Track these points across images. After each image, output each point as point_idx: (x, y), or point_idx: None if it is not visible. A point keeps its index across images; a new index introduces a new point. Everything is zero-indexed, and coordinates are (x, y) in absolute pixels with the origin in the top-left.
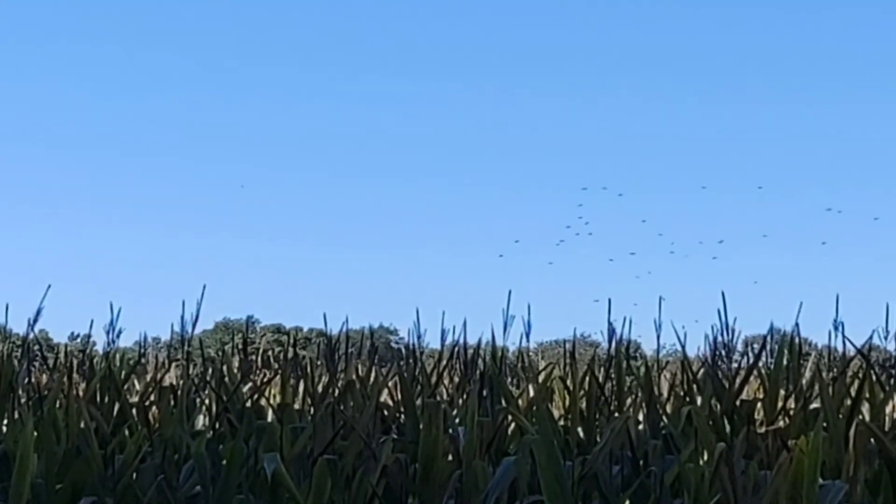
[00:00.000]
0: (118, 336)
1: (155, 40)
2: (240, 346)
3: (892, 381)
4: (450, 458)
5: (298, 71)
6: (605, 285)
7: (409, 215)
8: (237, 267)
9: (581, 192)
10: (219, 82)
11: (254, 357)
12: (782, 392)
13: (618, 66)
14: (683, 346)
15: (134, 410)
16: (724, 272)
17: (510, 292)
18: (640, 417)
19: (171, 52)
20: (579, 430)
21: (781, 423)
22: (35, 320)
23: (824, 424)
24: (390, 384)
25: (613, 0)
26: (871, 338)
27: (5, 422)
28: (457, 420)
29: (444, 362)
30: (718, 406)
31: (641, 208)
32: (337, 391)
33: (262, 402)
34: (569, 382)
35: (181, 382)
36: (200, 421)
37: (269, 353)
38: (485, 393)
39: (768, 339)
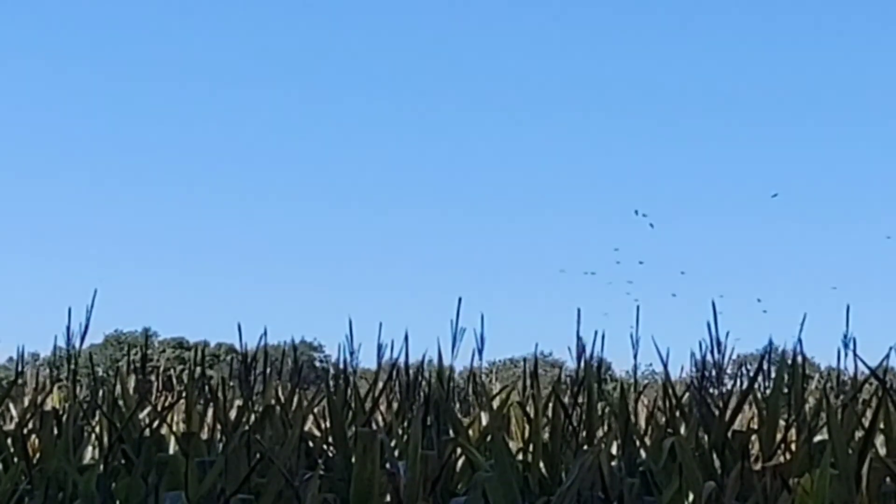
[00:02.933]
0: None
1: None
2: (136, 364)
3: None
4: (387, 498)
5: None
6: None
7: (335, 224)
8: (130, 272)
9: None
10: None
11: (153, 377)
12: (782, 421)
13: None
14: (665, 366)
15: (9, 440)
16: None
17: (459, 300)
18: (614, 451)
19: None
20: (541, 465)
21: (781, 459)
22: None
23: (832, 460)
24: (316, 410)
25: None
26: (887, 357)
27: None
28: (396, 453)
29: (380, 384)
30: (707, 438)
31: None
32: (253, 418)
33: (164, 430)
34: (529, 408)
35: (66, 406)
36: (90, 453)
37: (171, 371)
38: (429, 421)
39: (765, 358)
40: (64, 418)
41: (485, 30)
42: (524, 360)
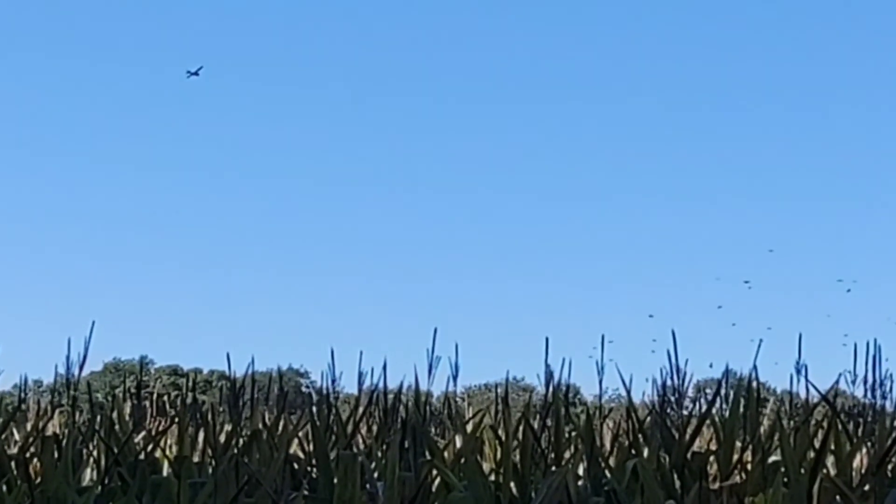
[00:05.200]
0: None
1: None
2: (132, 390)
3: (859, 430)
4: None
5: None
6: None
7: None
8: (129, 302)
9: None
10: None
11: (148, 402)
12: (738, 443)
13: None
14: (629, 391)
15: (13, 463)
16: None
17: (435, 330)
18: (581, 471)
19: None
20: (512, 485)
21: (738, 478)
22: None
23: (785, 479)
24: (301, 434)
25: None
26: (836, 382)
27: None
28: (375, 474)
29: (361, 409)
30: (667, 459)
31: None
32: (241, 441)
33: (158, 453)
34: (500, 432)
35: (66, 431)
36: (88, 475)
37: (165, 397)
38: (407, 444)
39: (723, 383)
40: (64, 442)
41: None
42: (496, 385)
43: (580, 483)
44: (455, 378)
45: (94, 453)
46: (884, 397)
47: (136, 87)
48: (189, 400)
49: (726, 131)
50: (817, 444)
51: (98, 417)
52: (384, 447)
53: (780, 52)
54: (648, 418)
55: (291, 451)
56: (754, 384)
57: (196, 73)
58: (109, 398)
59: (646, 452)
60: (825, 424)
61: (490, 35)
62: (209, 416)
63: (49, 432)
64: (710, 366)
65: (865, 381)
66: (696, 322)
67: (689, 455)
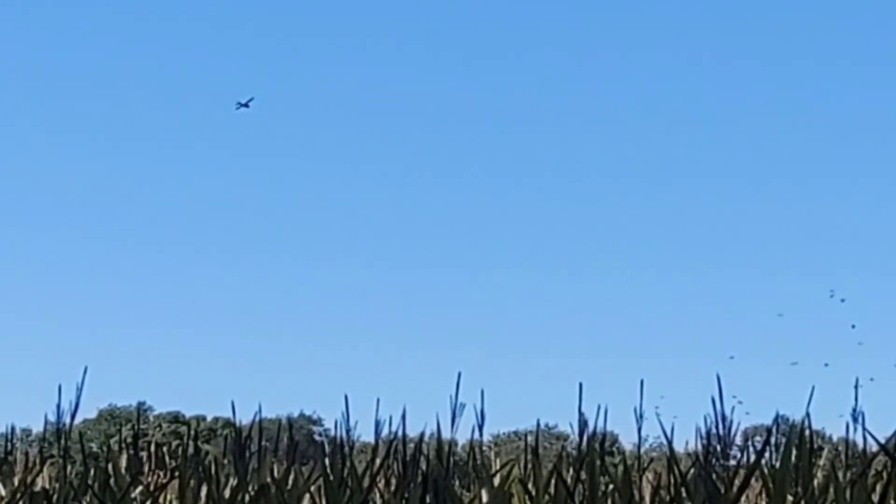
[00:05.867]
0: None
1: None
2: (129, 440)
3: None
4: None
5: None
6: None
7: (337, 293)
8: (125, 344)
9: None
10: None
11: (146, 453)
12: (790, 497)
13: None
14: (670, 441)
15: None
16: None
17: (459, 374)
18: None
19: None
20: None
21: None
22: None
23: None
24: (313, 488)
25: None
26: None
27: None
28: None
29: (378, 460)
30: None
31: None
32: (248, 497)
33: None
34: (530, 485)
35: (57, 486)
36: None
37: (165, 447)
38: (428, 499)
39: (773, 430)
40: (55, 498)
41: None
42: (526, 434)
43: None
44: (481, 426)
45: None
46: None
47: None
48: (191, 450)
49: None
50: (875, 499)
51: (92, 470)
52: (403, 502)
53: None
54: (692, 470)
55: None
56: (807, 432)
57: (246, 105)
58: (104, 448)
59: None
60: (885, 476)
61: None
62: (213, 469)
63: (38, 487)
64: (747, 413)
65: None
66: (742, 365)
67: None
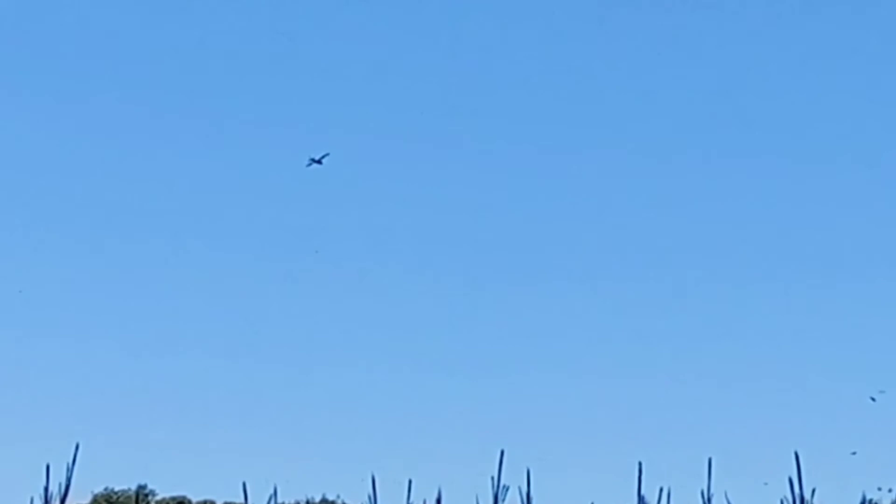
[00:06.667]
0: None
1: None
2: None
3: None
4: None
5: None
6: None
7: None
8: (123, 421)
9: None
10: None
11: None
12: None
13: None
14: None
15: None
16: None
17: (502, 453)
18: None
19: None
20: None
21: None
22: None
23: None
24: None
25: None
26: None
27: None
28: None
29: None
30: None
31: None
32: None
33: None
34: None
35: None
36: None
37: None
38: None
39: None
40: None
41: None
42: None
43: None
44: None
45: None
46: None
47: None
48: None
49: None
50: None
51: None
52: None
53: None
54: None
55: None
56: None
57: (319, 161)
58: None
59: None
60: None
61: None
62: None
63: None
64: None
65: None
66: (821, 446)
67: None
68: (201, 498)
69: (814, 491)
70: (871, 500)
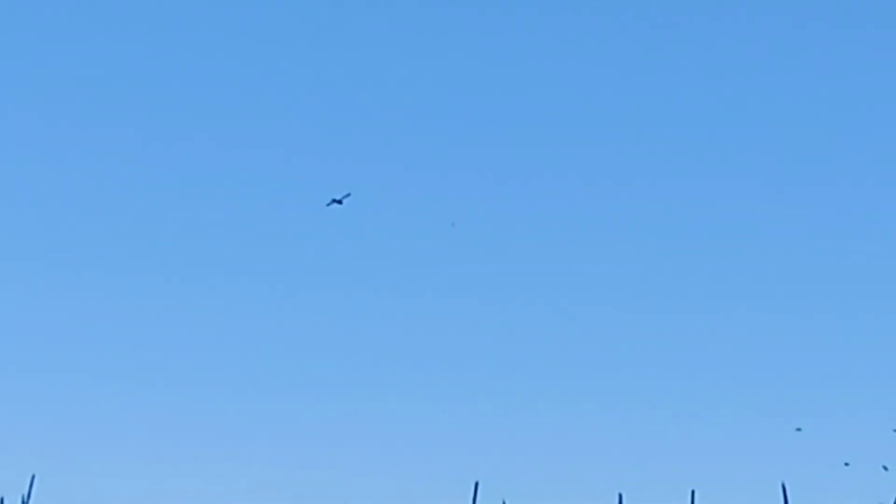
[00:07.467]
0: None
1: None
2: None
3: None
4: None
5: None
6: None
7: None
8: (81, 455)
9: None
10: None
11: None
12: None
13: None
14: None
15: None
16: None
17: (476, 485)
18: None
19: None
20: None
21: None
22: None
23: None
24: None
25: None
26: None
27: None
28: None
29: None
30: None
31: None
32: None
33: None
34: None
35: None
36: None
37: None
38: None
39: None
40: None
41: None
42: None
43: None
44: None
45: None
46: None
47: None
48: None
49: None
50: None
51: None
52: None
53: None
54: None
55: None
56: None
57: (340, 202)
58: None
59: None
60: None
61: None
62: None
63: None
64: None
65: None
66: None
67: None
68: None
69: None
70: None
